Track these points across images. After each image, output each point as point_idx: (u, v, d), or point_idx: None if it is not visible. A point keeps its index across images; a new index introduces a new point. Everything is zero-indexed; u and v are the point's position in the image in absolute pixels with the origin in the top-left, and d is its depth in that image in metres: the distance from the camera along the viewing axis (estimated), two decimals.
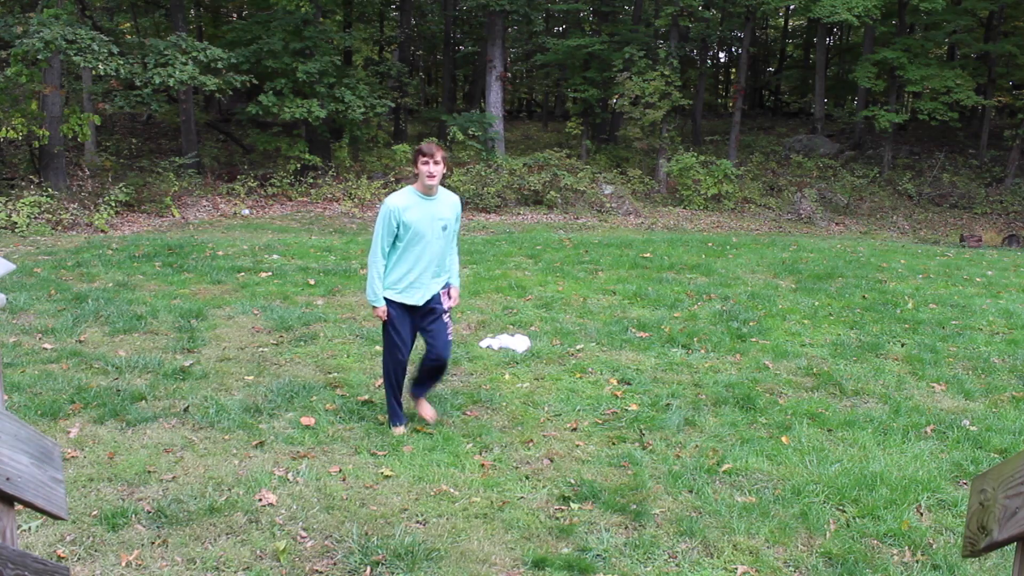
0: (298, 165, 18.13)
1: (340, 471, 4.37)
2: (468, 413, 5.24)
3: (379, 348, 6.35)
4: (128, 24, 25.26)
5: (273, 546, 3.64)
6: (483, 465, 4.51)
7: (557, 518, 3.98)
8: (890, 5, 21.66)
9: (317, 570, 3.51)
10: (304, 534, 3.76)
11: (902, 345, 6.96)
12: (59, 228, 13.18)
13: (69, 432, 4.69)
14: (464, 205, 5.25)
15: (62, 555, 3.52)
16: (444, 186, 4.94)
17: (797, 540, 3.85)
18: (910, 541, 3.85)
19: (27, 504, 1.72)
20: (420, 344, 5.16)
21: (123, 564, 3.47)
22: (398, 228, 4.64)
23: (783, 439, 4.94)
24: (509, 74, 28.41)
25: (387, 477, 4.33)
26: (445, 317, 4.86)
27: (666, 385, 5.81)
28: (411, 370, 5.13)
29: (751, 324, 7.35)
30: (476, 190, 17.25)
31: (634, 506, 4.08)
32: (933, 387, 5.99)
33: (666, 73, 19.71)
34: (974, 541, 1.74)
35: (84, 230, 13.32)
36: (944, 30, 22.81)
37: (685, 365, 6.25)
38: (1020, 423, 5.28)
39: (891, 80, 22.21)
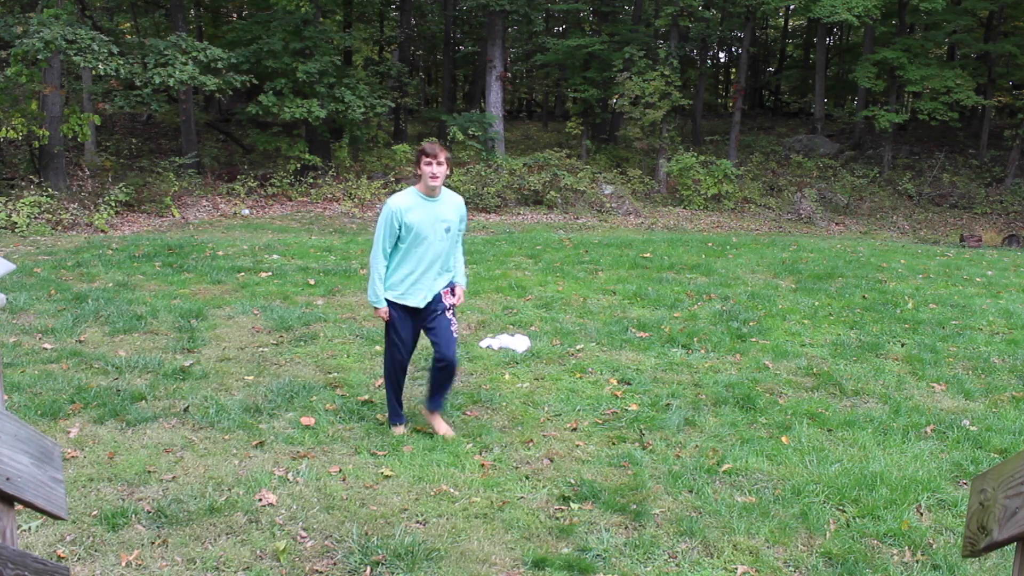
0: (298, 165, 18.14)
1: (340, 471, 4.37)
2: (468, 413, 5.24)
3: (379, 348, 6.36)
4: (128, 24, 25.26)
5: (273, 546, 3.64)
6: (483, 465, 4.51)
7: (557, 518, 3.98)
8: (890, 5, 21.66)
9: (317, 570, 3.51)
10: (304, 534, 3.76)
11: (902, 345, 6.96)
12: (59, 228, 13.18)
13: (69, 432, 4.69)
14: (465, 205, 5.14)
15: (62, 555, 3.52)
16: (446, 186, 4.91)
17: (797, 540, 3.85)
18: (910, 541, 3.85)
19: (27, 504, 1.73)
20: (427, 348, 5.15)
21: (123, 564, 3.47)
22: (400, 229, 4.58)
23: (783, 439, 4.94)
24: (509, 74, 28.41)
25: (387, 477, 4.33)
26: (448, 314, 4.78)
27: (666, 385, 5.81)
28: (423, 382, 5.13)
29: (751, 324, 7.35)
30: (476, 190, 17.25)
31: (634, 506, 4.08)
32: (933, 387, 5.99)
33: (666, 73, 19.71)
34: (974, 541, 1.74)
35: (84, 230, 13.32)
36: (944, 30, 22.81)
37: (685, 365, 6.25)
38: (1020, 423, 5.28)
39: (891, 80, 22.21)
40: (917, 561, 3.71)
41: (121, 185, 14.93)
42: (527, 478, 4.38)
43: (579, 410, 5.32)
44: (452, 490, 4.20)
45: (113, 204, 14.34)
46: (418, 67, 31.58)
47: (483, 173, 17.86)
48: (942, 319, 7.75)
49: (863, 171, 21.34)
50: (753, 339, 6.94)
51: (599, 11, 26.01)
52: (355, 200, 17.47)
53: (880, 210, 20.20)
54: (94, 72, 14.60)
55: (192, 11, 23.18)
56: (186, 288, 8.06)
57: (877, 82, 21.85)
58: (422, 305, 4.72)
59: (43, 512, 1.79)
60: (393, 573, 3.49)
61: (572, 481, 4.33)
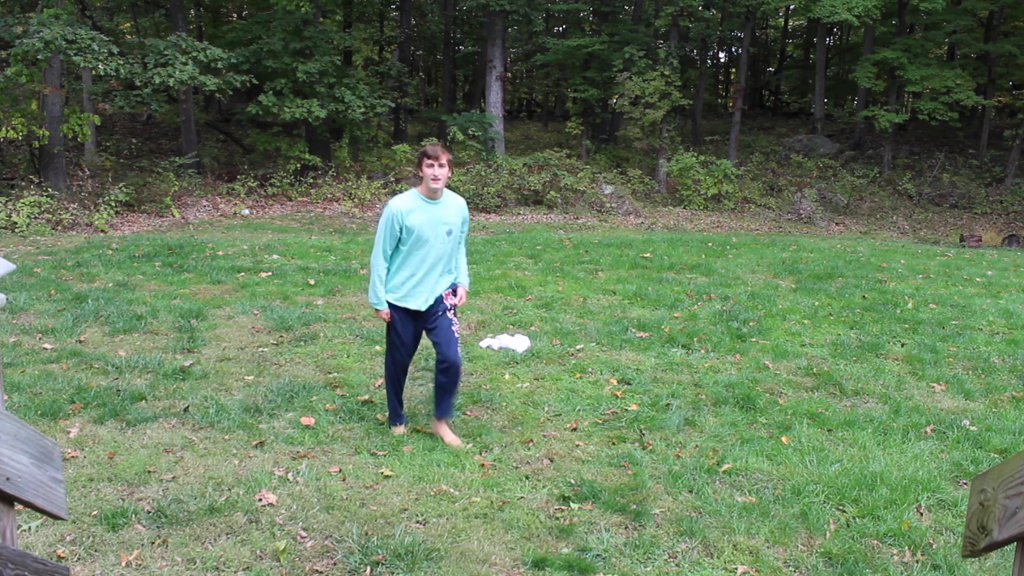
0: (298, 165, 18.13)
1: (340, 471, 4.37)
2: (468, 413, 5.24)
3: (379, 348, 6.36)
4: (128, 24, 25.26)
5: (273, 546, 3.64)
6: (483, 465, 4.51)
7: (557, 518, 3.98)
8: (890, 5, 21.66)
9: (317, 570, 3.51)
10: (304, 534, 3.76)
11: (902, 345, 6.96)
12: (59, 228, 13.18)
13: (69, 432, 4.69)
14: (467, 207, 5.10)
15: (62, 555, 3.52)
16: (448, 188, 4.88)
17: (797, 540, 3.85)
18: (910, 541, 3.85)
19: (27, 504, 1.72)
20: (428, 347, 5.14)
21: (123, 564, 3.47)
22: (401, 232, 4.55)
23: (783, 439, 4.94)
24: (509, 74, 28.41)
25: (387, 477, 4.33)
26: (449, 314, 4.74)
27: (666, 385, 5.81)
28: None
29: (751, 324, 7.35)
30: (476, 190, 17.25)
31: (634, 506, 4.08)
32: (933, 387, 5.99)
33: (666, 73, 19.71)
34: (974, 541, 1.74)
35: (84, 230, 13.32)
36: (944, 30, 22.81)
37: (685, 365, 6.25)
38: (1020, 423, 5.28)
39: (891, 80, 22.22)
40: (917, 561, 3.71)
41: (121, 185, 14.93)
42: (527, 478, 4.38)
43: (579, 410, 5.32)
44: (452, 490, 4.20)
45: (113, 204, 14.34)
46: (418, 67, 31.58)
47: (483, 173, 17.86)
48: (942, 319, 7.75)
49: (863, 171, 21.34)
50: (753, 339, 6.94)
51: (599, 11, 26.01)
52: (355, 200, 17.47)
53: (880, 210, 20.20)
54: (94, 72, 14.60)
55: (192, 11, 23.18)
56: (186, 288, 8.06)
57: (877, 82, 21.85)
58: (424, 308, 4.68)
59: (43, 512, 1.79)
60: (393, 573, 3.49)
61: (572, 481, 4.33)
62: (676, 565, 3.63)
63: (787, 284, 9.16)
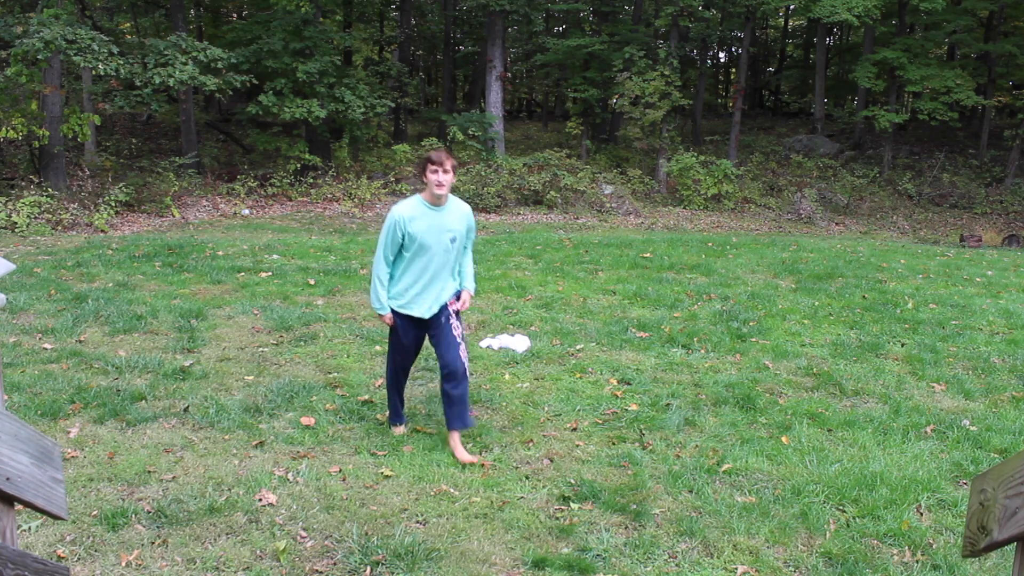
0: (298, 165, 18.14)
1: (340, 471, 4.37)
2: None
3: (379, 348, 6.36)
4: (128, 24, 25.27)
5: (273, 546, 3.64)
6: (483, 465, 4.51)
7: (557, 518, 3.98)
8: (890, 5, 21.67)
9: (317, 570, 3.51)
10: (304, 534, 3.76)
11: (902, 345, 6.96)
12: (59, 228, 13.18)
13: (69, 432, 4.69)
14: (473, 215, 5.02)
15: (62, 555, 3.52)
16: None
17: (797, 540, 3.85)
18: (910, 541, 3.85)
19: (27, 504, 1.73)
20: (430, 347, 5.10)
21: (123, 564, 3.47)
22: (403, 239, 4.47)
23: (783, 439, 4.94)
24: (509, 74, 28.41)
25: (387, 477, 4.33)
26: (453, 320, 4.63)
27: (666, 385, 5.81)
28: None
29: (751, 324, 7.35)
30: (476, 190, 17.25)
31: (634, 506, 4.08)
32: (933, 387, 5.99)
33: (666, 73, 19.71)
34: (974, 541, 1.74)
35: (84, 230, 13.32)
36: (944, 30, 22.81)
37: (685, 365, 6.25)
38: (1020, 423, 5.28)
39: (891, 80, 22.22)
40: (917, 561, 3.71)
41: (121, 185, 14.93)
42: (527, 478, 4.38)
43: (579, 410, 5.32)
44: (452, 490, 4.20)
45: (113, 204, 14.34)
46: (418, 67, 31.59)
47: (483, 173, 17.86)
48: (942, 319, 7.75)
49: (863, 171, 21.34)
50: (753, 339, 6.94)
51: (599, 11, 26.01)
52: (355, 200, 17.47)
53: (880, 210, 20.20)
54: (94, 72, 14.60)
55: (192, 11, 23.18)
56: (186, 288, 8.06)
57: (877, 82, 21.85)
58: (427, 316, 4.59)
59: (43, 512, 1.79)
60: (393, 573, 3.49)
61: (572, 481, 4.33)
62: (676, 565, 3.63)
63: (787, 284, 9.16)
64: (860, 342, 6.96)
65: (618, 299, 8.21)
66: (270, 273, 8.84)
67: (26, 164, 16.41)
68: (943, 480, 4.46)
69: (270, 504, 3.98)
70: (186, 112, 18.36)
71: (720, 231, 16.33)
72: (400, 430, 4.90)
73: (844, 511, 4.13)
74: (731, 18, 24.39)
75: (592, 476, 4.40)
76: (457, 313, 4.69)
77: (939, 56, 25.43)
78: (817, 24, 25.36)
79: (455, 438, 4.63)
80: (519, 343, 6.56)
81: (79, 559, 3.50)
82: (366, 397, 5.39)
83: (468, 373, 4.66)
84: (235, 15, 25.74)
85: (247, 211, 16.22)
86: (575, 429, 5.03)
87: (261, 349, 6.29)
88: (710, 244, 11.91)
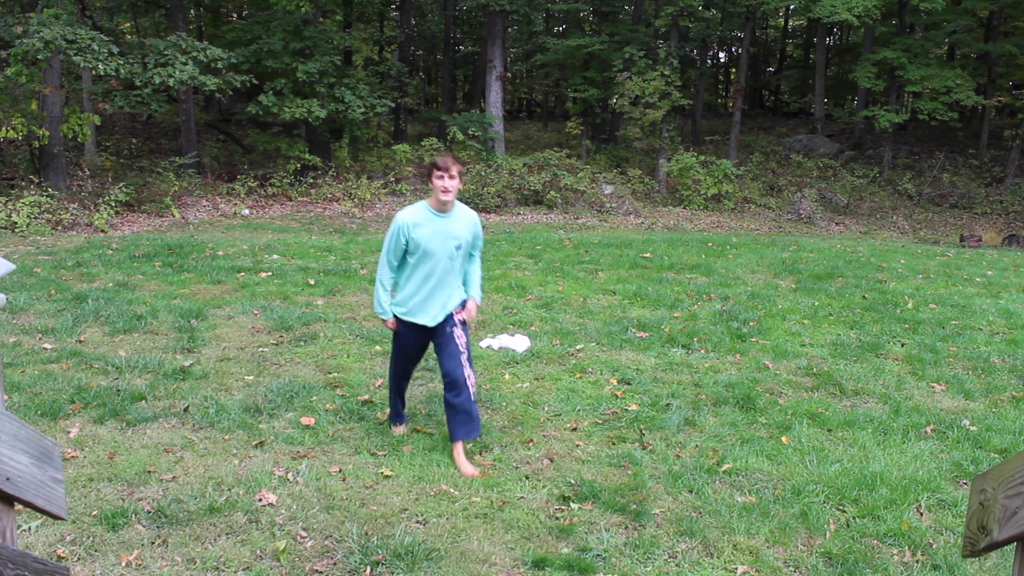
0: (298, 165, 18.14)
1: (340, 471, 4.37)
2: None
3: (379, 348, 6.36)
4: (128, 24, 25.27)
5: (273, 546, 3.64)
6: (483, 465, 4.51)
7: (557, 518, 3.98)
8: (890, 5, 21.66)
9: (317, 570, 3.51)
10: (304, 534, 3.76)
11: (902, 345, 6.96)
12: (59, 228, 13.18)
13: (69, 432, 4.69)
14: (480, 223, 4.95)
15: (62, 555, 3.52)
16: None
17: (797, 540, 3.85)
18: (910, 541, 3.85)
19: (27, 504, 1.73)
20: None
21: (123, 564, 3.47)
22: (406, 245, 4.42)
23: (783, 439, 4.94)
24: (509, 74, 28.41)
25: (387, 477, 4.33)
26: (458, 329, 4.53)
27: (666, 385, 5.81)
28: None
29: (751, 324, 7.35)
30: (476, 190, 17.26)
31: (634, 506, 4.08)
32: (933, 387, 5.99)
33: (666, 73, 19.71)
34: (974, 541, 1.74)
35: (84, 230, 13.32)
36: (944, 30, 22.82)
37: (685, 365, 6.25)
38: (1020, 423, 5.28)
39: (891, 80, 22.22)
40: (917, 561, 3.71)
41: (121, 185, 14.93)
42: (527, 478, 4.38)
43: (579, 410, 5.32)
44: (452, 490, 4.20)
45: (113, 204, 14.34)
46: (418, 67, 31.58)
47: (483, 173, 17.86)
48: (942, 319, 7.75)
49: (863, 171, 21.34)
50: (753, 339, 6.94)
51: (599, 11, 26.00)
52: (355, 200, 17.47)
53: (880, 210, 20.20)
54: (94, 72, 14.60)
55: (192, 11, 23.18)
56: (186, 288, 8.06)
57: (877, 82, 21.85)
58: (432, 324, 4.53)
59: (43, 512, 1.79)
60: (393, 573, 3.49)
61: (572, 481, 4.33)
62: (676, 565, 3.63)
63: (787, 284, 9.16)
64: (860, 342, 6.96)
65: (618, 299, 8.21)
66: (270, 273, 8.84)
67: (26, 164, 16.41)
68: (943, 480, 4.46)
69: (270, 504, 3.98)
70: (186, 112, 18.36)
71: (720, 231, 16.33)
72: (400, 430, 4.90)
73: (844, 511, 4.13)
74: (731, 18, 24.39)
75: (592, 476, 4.40)
76: (463, 323, 4.60)
77: (939, 56, 25.43)
78: (817, 24, 25.36)
79: (458, 448, 4.52)
80: (519, 343, 6.56)
81: (79, 559, 3.50)
82: (366, 397, 5.39)
83: (472, 385, 4.51)
84: (235, 15, 25.74)
85: (247, 211, 16.22)
86: (575, 429, 5.03)
87: (261, 349, 6.29)
88: (710, 244, 11.91)
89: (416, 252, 4.42)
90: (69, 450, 4.45)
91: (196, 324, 6.81)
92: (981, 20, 24.57)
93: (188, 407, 5.10)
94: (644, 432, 5.01)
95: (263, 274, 8.78)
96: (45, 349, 6.10)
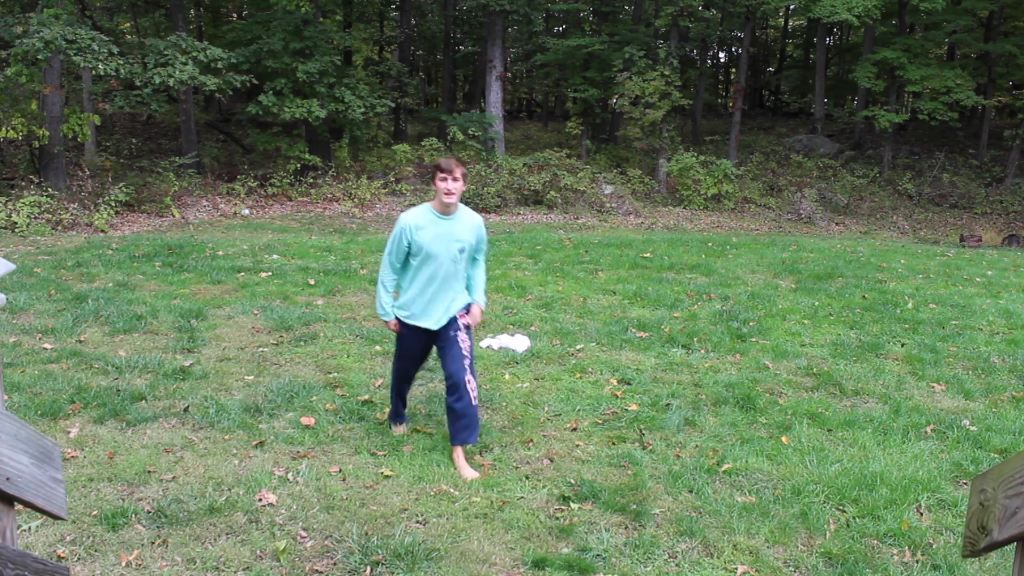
0: (298, 165, 18.14)
1: (340, 471, 4.37)
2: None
3: (379, 348, 6.37)
4: (128, 24, 25.27)
5: (273, 546, 3.64)
6: (483, 465, 4.51)
7: (557, 518, 3.98)
8: (890, 5, 21.66)
9: (317, 570, 3.51)
10: (304, 534, 3.76)
11: (902, 345, 6.96)
12: (59, 228, 13.18)
13: (69, 432, 4.69)
14: (484, 227, 4.91)
15: (62, 555, 3.52)
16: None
17: (797, 540, 3.85)
18: (910, 541, 3.85)
19: (27, 504, 1.73)
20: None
21: (123, 564, 3.47)
22: (409, 247, 4.41)
23: (783, 439, 4.94)
24: (509, 74, 28.41)
25: (387, 477, 4.33)
26: (461, 334, 4.50)
27: (666, 385, 5.81)
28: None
29: (751, 324, 7.35)
30: (476, 190, 17.26)
31: (634, 506, 4.08)
32: (933, 387, 5.99)
33: (666, 73, 19.71)
34: (974, 541, 1.74)
35: (84, 230, 13.32)
36: (944, 30, 22.82)
37: (685, 365, 6.25)
38: (1020, 423, 5.28)
39: (891, 80, 22.22)
40: (917, 561, 3.71)
41: (121, 185, 14.93)
42: (527, 478, 4.38)
43: (579, 410, 5.32)
44: (452, 490, 4.20)
45: (113, 204, 14.34)
46: (418, 67, 31.58)
47: (483, 173, 17.86)
48: (942, 319, 7.75)
49: (863, 171, 21.34)
50: (753, 339, 6.94)
51: (599, 11, 26.00)
52: (355, 200, 17.47)
53: (880, 210, 20.20)
54: (94, 72, 14.60)
55: (192, 11, 23.19)
56: (186, 288, 8.06)
57: (877, 82, 21.85)
58: (435, 328, 4.51)
59: (43, 512, 1.79)
60: (393, 573, 3.49)
61: (572, 481, 4.33)
62: (676, 565, 3.63)
63: (787, 284, 9.16)
64: (860, 342, 6.96)
65: (618, 299, 8.21)
66: (270, 273, 8.84)
67: (26, 164, 16.41)
68: (943, 480, 4.46)
69: (270, 504, 3.98)
70: (186, 112, 18.36)
71: (720, 231, 16.33)
72: (400, 430, 4.89)
73: (844, 511, 4.13)
74: (731, 18, 24.39)
75: (592, 476, 4.40)
76: (467, 327, 4.57)
77: (939, 56, 25.43)
78: (817, 24, 25.36)
79: (458, 451, 4.50)
80: (519, 343, 6.56)
81: (79, 559, 3.50)
82: (366, 397, 5.39)
83: (474, 390, 4.45)
84: (235, 15, 25.74)
85: (247, 211, 16.22)
86: (575, 429, 5.03)
87: (261, 349, 6.29)
88: (710, 244, 11.91)
89: (419, 254, 4.40)
90: (69, 450, 4.45)
91: (196, 324, 6.81)
92: (981, 20, 24.57)
93: (188, 407, 5.10)
94: (644, 432, 5.01)
95: (263, 274, 8.78)
96: (45, 349, 6.10)
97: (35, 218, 13.13)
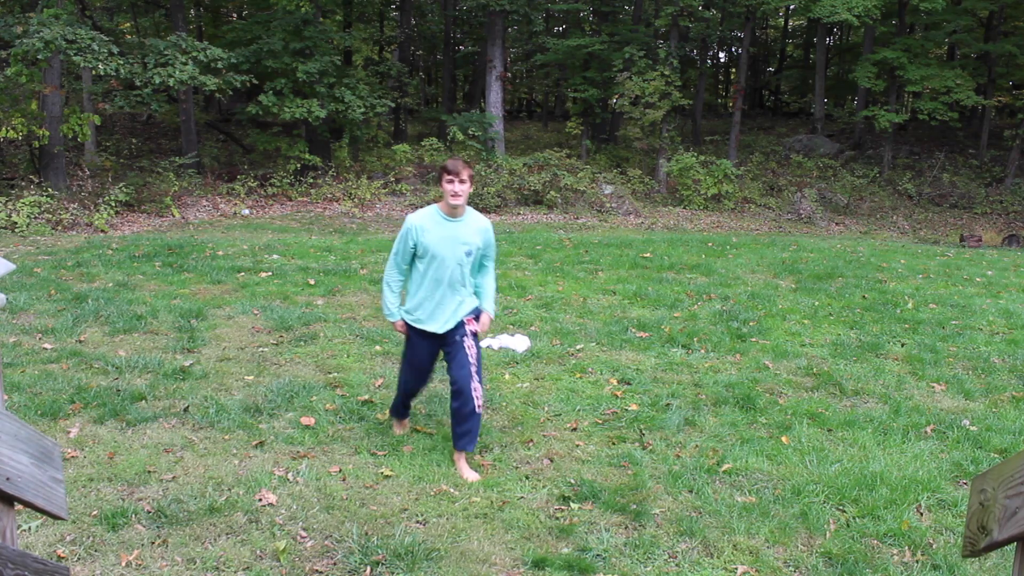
0: (298, 165, 18.14)
1: (340, 471, 4.37)
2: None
3: (379, 348, 6.37)
4: (128, 24, 25.27)
5: (273, 546, 3.64)
6: (483, 465, 4.51)
7: (557, 518, 3.98)
8: (890, 5, 21.66)
9: (317, 570, 3.51)
10: (304, 534, 3.76)
11: (902, 345, 6.96)
12: (59, 228, 13.18)
13: (69, 432, 4.69)
14: (492, 230, 4.86)
15: (62, 555, 3.52)
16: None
17: (797, 540, 3.85)
18: (910, 541, 3.85)
19: (27, 504, 1.73)
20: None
21: (123, 564, 3.47)
22: (415, 249, 4.38)
23: (783, 439, 4.94)
24: (509, 74, 28.41)
25: (387, 477, 4.32)
26: (467, 340, 4.43)
27: (666, 385, 5.81)
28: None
29: (751, 324, 7.35)
30: (476, 190, 17.26)
31: (634, 506, 4.08)
32: (933, 387, 5.99)
33: (666, 73, 19.71)
34: (974, 541, 1.74)
35: (84, 230, 13.32)
36: (944, 30, 22.82)
37: (685, 365, 6.25)
38: (1020, 423, 5.28)
39: (891, 80, 22.22)
40: (917, 561, 3.71)
41: (121, 185, 14.93)
42: (527, 478, 4.38)
43: (579, 410, 5.32)
44: (452, 490, 4.20)
45: (113, 204, 14.34)
46: (418, 67, 31.58)
47: (483, 173, 17.87)
48: (942, 319, 7.75)
49: (863, 171, 21.34)
50: (753, 339, 6.93)
51: (599, 11, 26.00)
52: (355, 200, 17.47)
53: (880, 210, 20.20)
54: (94, 72, 14.60)
55: (192, 11, 23.19)
56: (186, 288, 8.06)
57: (877, 82, 21.86)
58: (441, 331, 4.46)
59: (43, 512, 1.79)
60: (393, 573, 3.49)
61: (572, 481, 4.33)
62: (676, 565, 3.63)
63: (787, 284, 9.16)
64: (860, 342, 6.96)
65: (618, 299, 8.21)
66: (270, 273, 8.84)
67: (26, 164, 16.41)
68: (943, 480, 4.46)
69: (270, 504, 3.98)
70: (186, 112, 18.36)
71: (720, 231, 16.33)
72: (400, 429, 4.89)
73: (844, 511, 4.13)
74: (731, 18, 24.39)
75: (592, 476, 4.40)
76: (474, 334, 4.50)
77: (939, 56, 25.44)
78: (817, 24, 25.36)
79: (459, 458, 4.48)
80: (519, 343, 6.56)
81: (79, 559, 3.50)
82: (366, 397, 5.39)
83: (479, 397, 4.41)
84: (235, 15, 25.74)
85: (247, 211, 16.22)
86: (575, 429, 5.03)
87: (261, 349, 6.29)
88: (710, 244, 11.91)
89: (425, 256, 4.37)
90: (69, 450, 4.45)
91: (196, 324, 6.81)
92: (981, 20, 24.57)
93: (188, 407, 5.10)
94: (644, 432, 5.01)
95: (263, 274, 8.78)
96: (45, 349, 6.10)
97: (35, 218, 13.13)
